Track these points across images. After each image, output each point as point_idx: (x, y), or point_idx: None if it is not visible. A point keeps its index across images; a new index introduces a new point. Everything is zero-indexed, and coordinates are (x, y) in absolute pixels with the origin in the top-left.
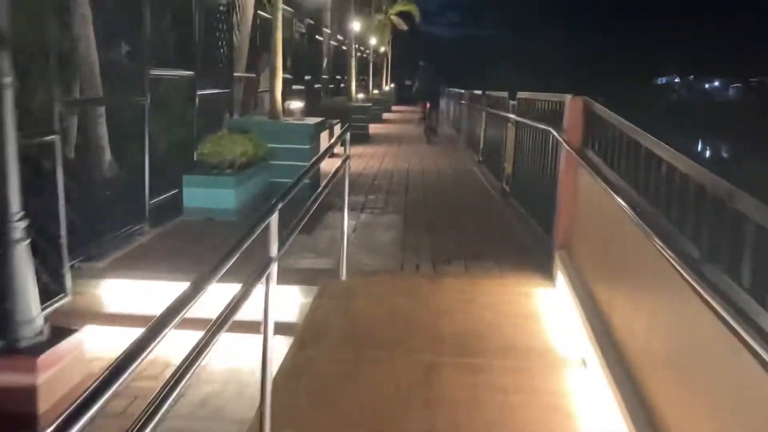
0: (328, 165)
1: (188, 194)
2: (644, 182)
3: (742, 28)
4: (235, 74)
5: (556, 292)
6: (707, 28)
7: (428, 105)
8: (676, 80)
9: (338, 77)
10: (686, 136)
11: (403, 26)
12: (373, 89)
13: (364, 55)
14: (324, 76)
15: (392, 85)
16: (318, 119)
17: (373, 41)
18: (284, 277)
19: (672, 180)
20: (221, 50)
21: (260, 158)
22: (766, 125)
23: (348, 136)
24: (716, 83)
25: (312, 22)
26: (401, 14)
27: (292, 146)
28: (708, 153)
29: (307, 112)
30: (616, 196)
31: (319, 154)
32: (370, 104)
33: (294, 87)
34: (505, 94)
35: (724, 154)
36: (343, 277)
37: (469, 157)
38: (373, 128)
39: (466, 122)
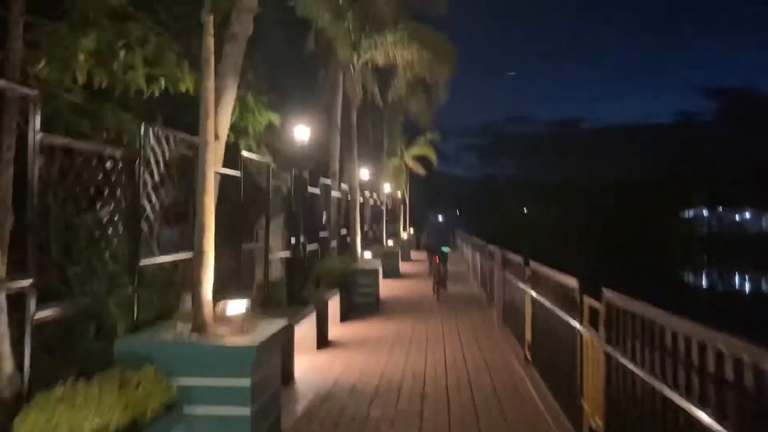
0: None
1: None
2: None
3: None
4: None
5: None
6: (733, 157)
7: (437, 259)
8: (704, 212)
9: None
10: (726, 271)
11: (421, 170)
12: (387, 239)
13: (378, 203)
14: (322, 234)
15: (410, 231)
16: (275, 325)
17: (387, 187)
18: None
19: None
20: None
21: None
22: None
23: None
24: (747, 214)
25: (304, 171)
26: (419, 158)
27: (220, 383)
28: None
29: (297, 284)
30: None
31: None
32: (379, 261)
33: (278, 254)
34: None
35: None
36: None
37: (512, 348)
38: (386, 287)
39: (493, 283)
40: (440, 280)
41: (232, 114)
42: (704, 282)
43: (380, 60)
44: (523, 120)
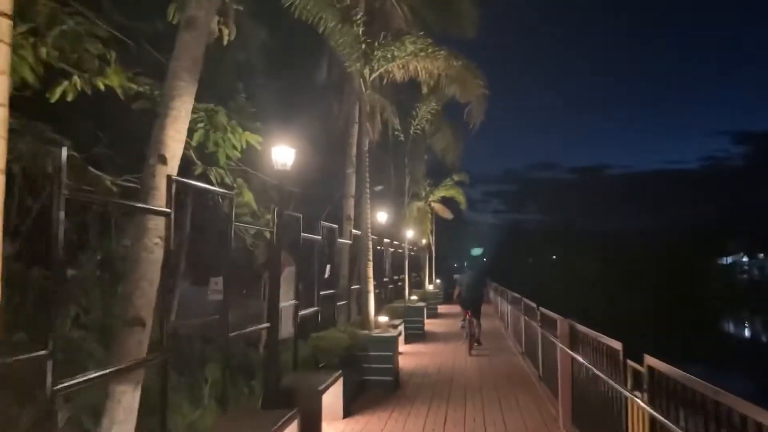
0: None
1: None
2: None
3: None
4: None
5: None
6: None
7: (469, 313)
8: (743, 259)
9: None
10: None
11: (448, 214)
12: (410, 293)
13: (399, 251)
14: (323, 292)
15: (437, 281)
16: None
17: (409, 234)
18: None
19: None
20: None
21: None
22: None
23: None
24: None
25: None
26: (444, 200)
27: None
28: None
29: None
30: None
31: None
32: (399, 326)
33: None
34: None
35: None
36: None
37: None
38: (408, 356)
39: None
40: (474, 333)
41: (194, 131)
42: (747, 332)
43: (398, 74)
44: (548, 167)
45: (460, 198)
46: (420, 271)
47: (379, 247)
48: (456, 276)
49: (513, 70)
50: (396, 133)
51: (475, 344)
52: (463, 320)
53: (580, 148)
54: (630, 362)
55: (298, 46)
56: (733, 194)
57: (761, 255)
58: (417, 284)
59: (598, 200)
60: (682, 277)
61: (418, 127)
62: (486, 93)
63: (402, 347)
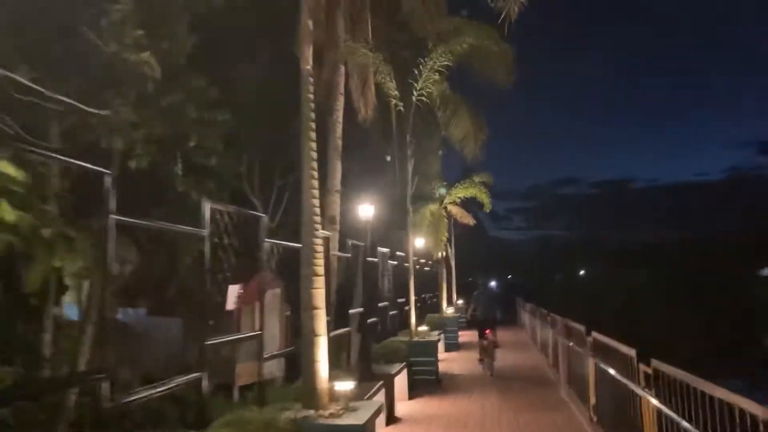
0: None
1: None
2: None
3: None
4: None
5: None
6: None
7: (488, 331)
8: None
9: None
10: None
11: (469, 220)
12: (422, 322)
13: (405, 264)
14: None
15: (459, 303)
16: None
17: (419, 243)
18: None
19: None
20: None
21: None
22: None
23: None
24: None
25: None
26: (465, 204)
27: None
28: None
29: None
30: None
31: None
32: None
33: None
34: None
35: None
36: None
37: None
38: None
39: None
40: (490, 352)
41: None
42: None
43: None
44: (571, 182)
45: (485, 199)
46: (436, 290)
47: (371, 259)
48: (474, 293)
49: (533, 83)
50: (394, 102)
51: (491, 361)
52: (480, 341)
53: (603, 162)
54: None
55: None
56: (762, 204)
57: None
58: (434, 307)
59: (623, 214)
60: (723, 290)
61: (423, 93)
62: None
63: (402, 405)
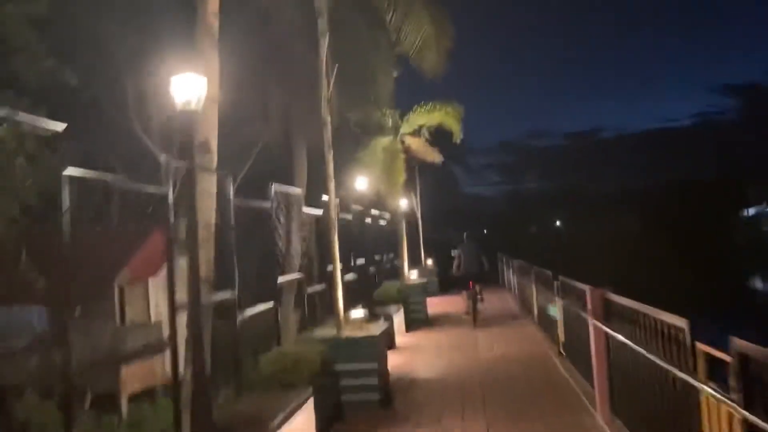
0: None
1: None
2: None
3: None
4: None
5: None
6: None
7: (471, 284)
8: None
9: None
10: None
11: (434, 156)
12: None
13: (348, 219)
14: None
15: (429, 263)
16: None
17: (361, 184)
18: None
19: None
20: None
21: None
22: None
23: None
24: None
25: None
26: (430, 134)
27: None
28: None
29: None
30: None
31: None
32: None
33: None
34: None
35: None
36: None
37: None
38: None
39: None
40: (476, 306)
41: None
42: None
43: None
44: (541, 134)
45: (453, 125)
46: (396, 250)
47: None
48: (453, 252)
49: (497, 35)
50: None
51: (477, 315)
52: (467, 297)
53: (572, 112)
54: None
55: None
56: (734, 147)
57: None
58: (394, 272)
59: (597, 163)
60: (703, 234)
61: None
62: None
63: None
